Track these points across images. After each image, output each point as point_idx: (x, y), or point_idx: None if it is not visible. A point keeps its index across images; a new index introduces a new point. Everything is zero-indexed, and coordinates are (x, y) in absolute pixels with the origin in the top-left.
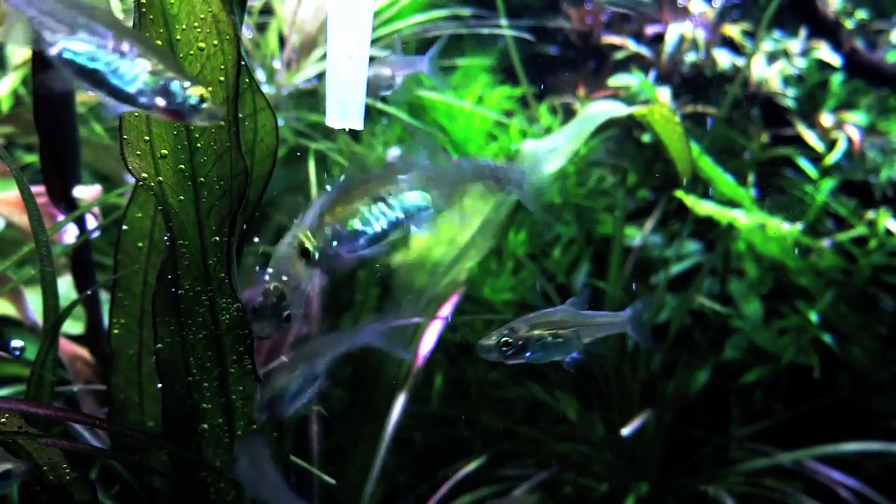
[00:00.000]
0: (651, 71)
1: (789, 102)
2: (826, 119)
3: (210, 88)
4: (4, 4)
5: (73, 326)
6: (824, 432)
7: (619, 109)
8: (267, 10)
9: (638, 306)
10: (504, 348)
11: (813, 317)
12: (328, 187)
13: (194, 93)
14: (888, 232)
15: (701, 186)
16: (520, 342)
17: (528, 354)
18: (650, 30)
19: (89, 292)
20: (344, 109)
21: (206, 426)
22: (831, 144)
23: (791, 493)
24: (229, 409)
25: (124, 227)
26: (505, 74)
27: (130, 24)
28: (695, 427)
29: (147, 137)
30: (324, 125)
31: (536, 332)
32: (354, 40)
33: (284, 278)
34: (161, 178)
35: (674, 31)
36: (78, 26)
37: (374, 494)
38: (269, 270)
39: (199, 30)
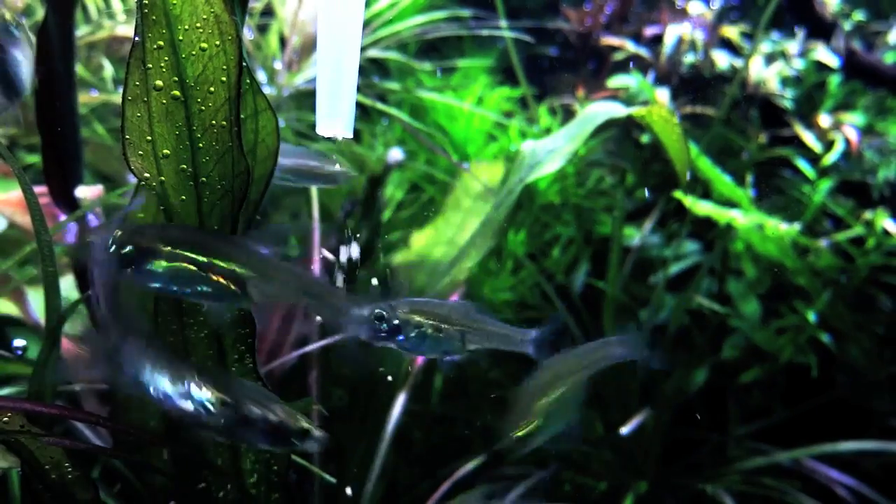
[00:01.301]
0: (650, 72)
1: (787, 103)
2: (824, 120)
3: (212, 89)
4: None
5: (75, 326)
6: (822, 431)
7: (617, 110)
8: (268, 12)
9: (545, 330)
10: (377, 322)
11: (811, 316)
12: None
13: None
14: (886, 232)
15: (699, 187)
16: (395, 322)
17: (399, 338)
18: (649, 31)
19: (91, 292)
20: (333, 117)
21: None
22: (829, 145)
23: (789, 492)
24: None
25: None
26: (504, 75)
27: (133, 24)
28: (693, 426)
29: (149, 138)
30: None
31: (417, 318)
32: (344, 49)
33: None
34: (163, 179)
35: (672, 33)
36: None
37: (374, 493)
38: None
39: (201, 30)
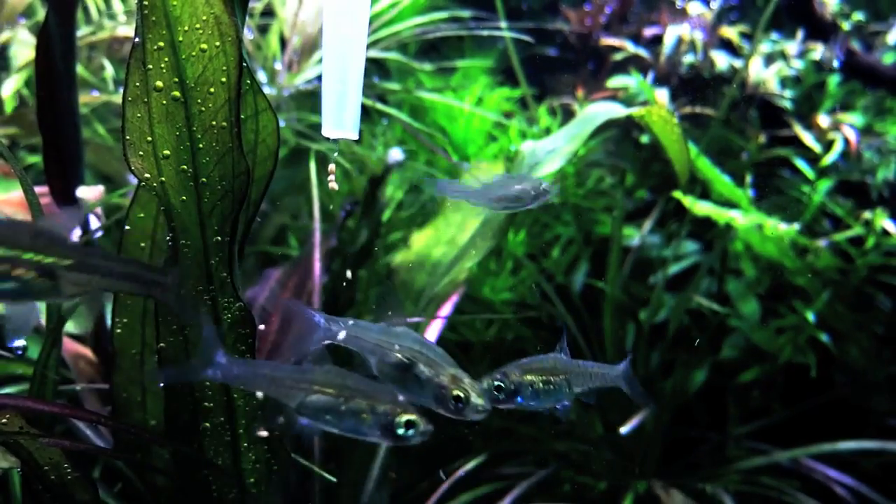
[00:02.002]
0: (649, 72)
1: (786, 104)
2: (823, 120)
3: (212, 90)
4: None
5: (76, 326)
6: (821, 431)
7: (617, 111)
8: (268, 12)
9: (628, 364)
10: (496, 392)
11: (810, 316)
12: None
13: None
14: (884, 232)
15: (699, 187)
16: (512, 387)
17: (519, 400)
18: (648, 31)
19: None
20: (339, 119)
21: (207, 424)
22: (828, 145)
23: (788, 491)
24: (231, 407)
25: (127, 228)
26: (504, 76)
27: (133, 25)
28: (693, 425)
29: (149, 138)
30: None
31: (528, 377)
32: (350, 52)
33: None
34: (163, 179)
35: (672, 33)
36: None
37: (374, 492)
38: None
39: (201, 31)
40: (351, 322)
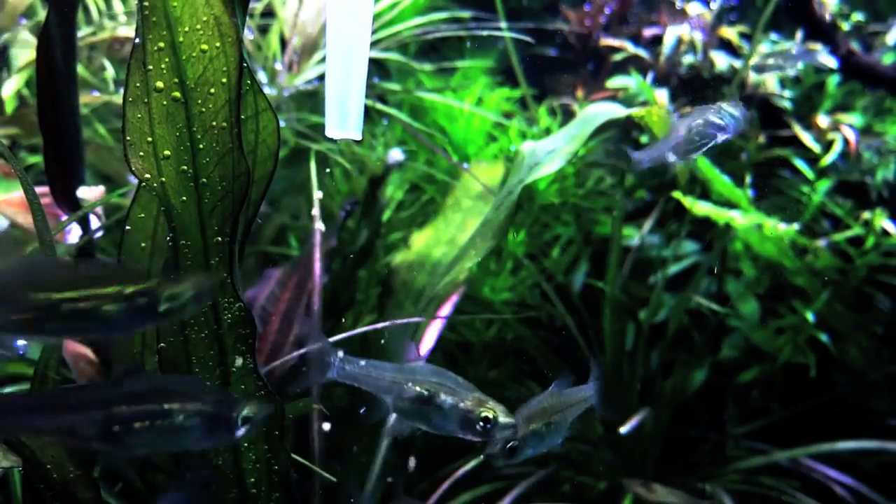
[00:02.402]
0: (649, 73)
1: (786, 104)
2: (822, 120)
3: (212, 90)
4: None
5: None
6: (820, 431)
7: (617, 111)
8: (268, 13)
9: (596, 380)
10: (509, 451)
11: (809, 316)
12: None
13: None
14: (884, 232)
15: (698, 187)
16: (524, 439)
17: (530, 451)
18: (648, 32)
19: None
20: (343, 119)
21: None
22: (827, 146)
23: (787, 491)
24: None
25: (127, 228)
26: (504, 76)
27: (134, 25)
28: (692, 425)
29: (150, 139)
30: (325, 126)
31: (533, 426)
32: (353, 52)
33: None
34: (164, 179)
35: (671, 34)
36: None
37: (375, 492)
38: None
39: (201, 32)
40: (364, 363)
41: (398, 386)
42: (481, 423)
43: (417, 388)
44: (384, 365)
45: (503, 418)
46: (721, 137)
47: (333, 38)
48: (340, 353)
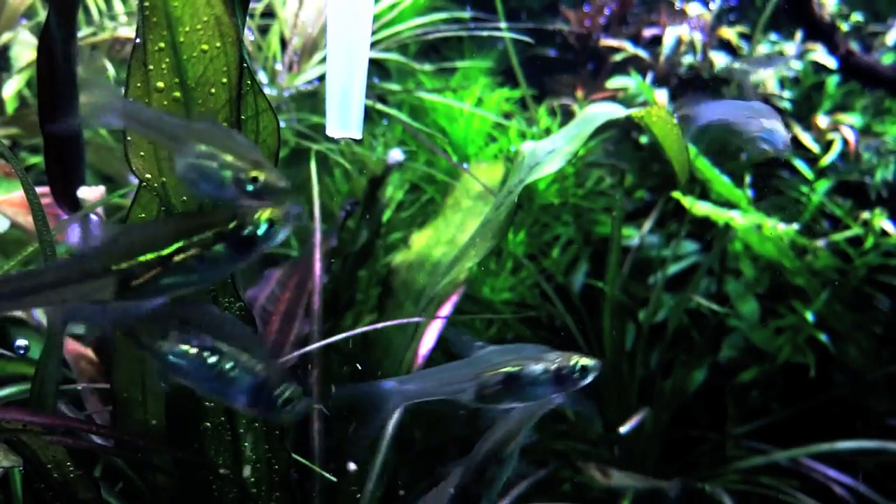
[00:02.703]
0: (648, 73)
1: (785, 104)
2: (822, 121)
3: (213, 90)
4: None
5: (77, 326)
6: (820, 430)
7: (617, 111)
8: (268, 13)
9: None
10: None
11: (809, 316)
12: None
13: None
14: (883, 232)
15: (698, 187)
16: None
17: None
18: (648, 32)
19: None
20: (344, 119)
21: (208, 424)
22: (827, 146)
23: (787, 491)
24: (231, 407)
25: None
26: (504, 76)
27: (134, 26)
28: (692, 425)
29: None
30: (325, 126)
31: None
32: (354, 52)
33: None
34: (164, 179)
35: (671, 34)
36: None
37: (375, 491)
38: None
39: (202, 32)
40: (419, 378)
41: (478, 378)
42: (578, 372)
43: (503, 370)
44: (441, 369)
45: (589, 361)
46: (763, 144)
47: (334, 38)
48: (391, 384)
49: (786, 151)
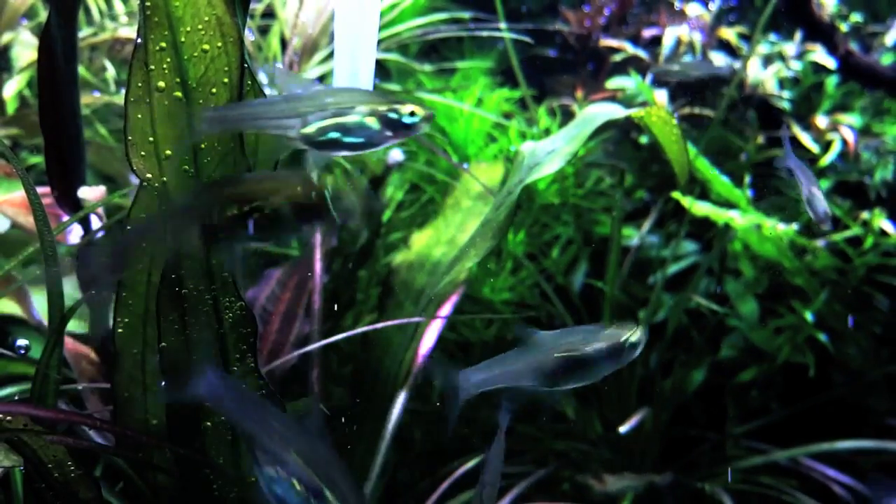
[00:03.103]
0: (648, 73)
1: (785, 105)
2: (821, 121)
3: (214, 90)
4: None
5: (78, 326)
6: (820, 430)
7: (616, 111)
8: (269, 14)
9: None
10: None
11: (808, 316)
12: None
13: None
14: (882, 232)
15: (698, 187)
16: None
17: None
18: (647, 33)
19: (94, 292)
20: None
21: (209, 423)
22: (826, 146)
23: (787, 490)
24: None
25: (128, 228)
26: (504, 77)
27: (135, 26)
28: (691, 425)
29: (151, 138)
30: None
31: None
32: (360, 50)
33: None
34: (165, 179)
35: (671, 34)
36: None
37: (375, 491)
38: None
39: (203, 32)
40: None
41: (543, 363)
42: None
43: (572, 351)
44: (506, 357)
45: (636, 335)
46: None
47: (341, 37)
48: (466, 371)
49: (826, 222)
